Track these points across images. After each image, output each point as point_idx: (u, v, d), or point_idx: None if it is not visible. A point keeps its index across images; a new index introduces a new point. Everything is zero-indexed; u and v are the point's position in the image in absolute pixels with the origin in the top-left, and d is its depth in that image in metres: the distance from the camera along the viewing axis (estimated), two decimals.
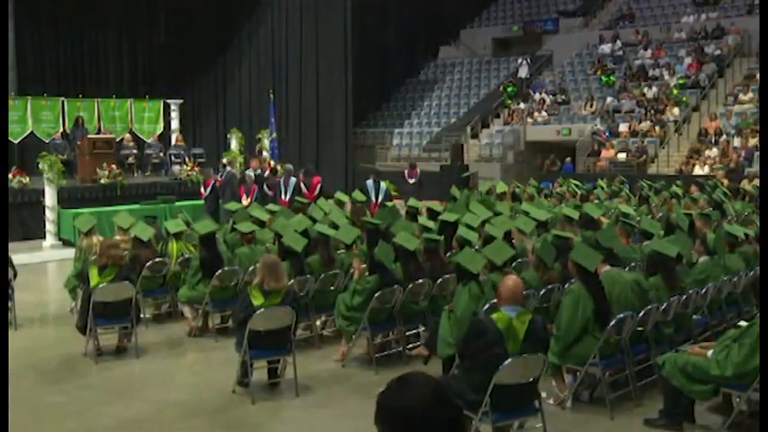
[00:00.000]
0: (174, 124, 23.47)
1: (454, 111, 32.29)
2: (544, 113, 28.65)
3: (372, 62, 31.91)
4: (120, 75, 27.43)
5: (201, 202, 16.67)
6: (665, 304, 7.33)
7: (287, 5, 28.39)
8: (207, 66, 29.35)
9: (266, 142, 22.95)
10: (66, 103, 21.45)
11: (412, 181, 20.74)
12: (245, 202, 15.53)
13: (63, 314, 10.40)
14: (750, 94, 25.28)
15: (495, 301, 6.40)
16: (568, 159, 25.76)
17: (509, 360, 5.42)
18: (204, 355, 8.79)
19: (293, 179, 16.88)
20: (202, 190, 16.76)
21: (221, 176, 17.04)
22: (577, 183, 17.49)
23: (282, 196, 16.27)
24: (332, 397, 7.35)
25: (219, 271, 9.13)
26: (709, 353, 6.25)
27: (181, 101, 24.19)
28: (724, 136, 23.64)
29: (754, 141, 22.84)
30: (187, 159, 20.43)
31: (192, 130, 28.03)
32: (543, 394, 6.24)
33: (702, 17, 30.75)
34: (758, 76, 26.08)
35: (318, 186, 17.16)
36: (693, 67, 27.72)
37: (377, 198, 17.46)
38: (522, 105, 29.82)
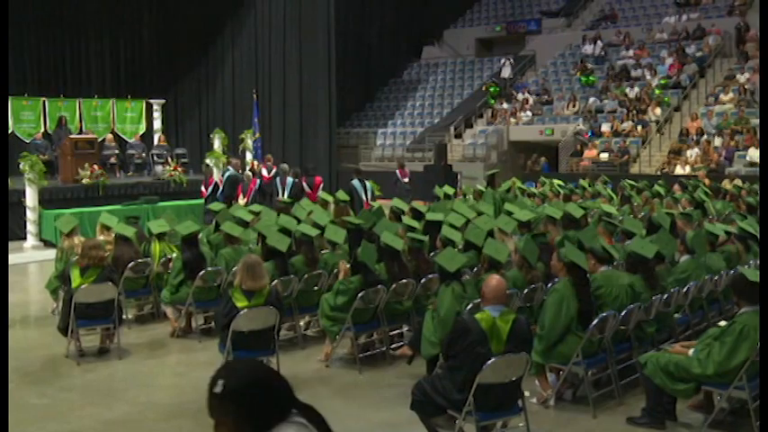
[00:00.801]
0: (157, 124, 23.36)
1: (438, 111, 32.37)
2: (527, 113, 28.76)
3: (356, 62, 31.93)
4: (102, 74, 27.23)
5: (183, 202, 16.63)
6: (647, 303, 7.38)
7: (270, 6, 28.33)
8: (190, 65, 29.23)
9: (250, 142, 22.91)
10: (47, 103, 21.30)
11: (406, 180, 20.64)
12: (241, 201, 15.58)
13: (44, 315, 10.33)
14: (731, 95, 25.48)
15: (478, 300, 6.42)
16: (543, 159, 25.89)
17: (492, 359, 5.44)
18: (187, 356, 8.75)
19: (290, 179, 16.90)
20: (203, 189, 16.79)
21: (223, 176, 17.12)
22: (560, 183, 17.56)
23: (280, 196, 16.30)
24: (315, 397, 7.31)
25: (203, 271, 9.10)
26: (691, 351, 6.30)
27: (163, 101, 24.07)
28: (705, 136, 23.81)
29: (734, 141, 23.04)
30: (170, 159, 20.33)
31: (174, 130, 27.91)
32: (527, 393, 6.27)
33: (684, 18, 30.96)
34: (738, 76, 26.33)
35: (320, 186, 17.31)
36: (675, 67, 27.90)
37: (366, 197, 17.50)
38: (505, 105, 29.91)
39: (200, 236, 10.04)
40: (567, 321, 6.79)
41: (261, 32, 28.66)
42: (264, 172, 18.28)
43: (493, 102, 30.55)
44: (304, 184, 16.95)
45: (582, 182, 18.05)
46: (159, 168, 20.25)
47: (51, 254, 11.65)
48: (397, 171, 21.02)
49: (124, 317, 9.43)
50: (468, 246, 8.67)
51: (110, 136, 21.58)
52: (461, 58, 35.79)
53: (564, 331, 6.81)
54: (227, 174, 16.90)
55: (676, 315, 8.24)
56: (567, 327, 6.80)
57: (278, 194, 16.32)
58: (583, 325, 6.82)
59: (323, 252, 9.72)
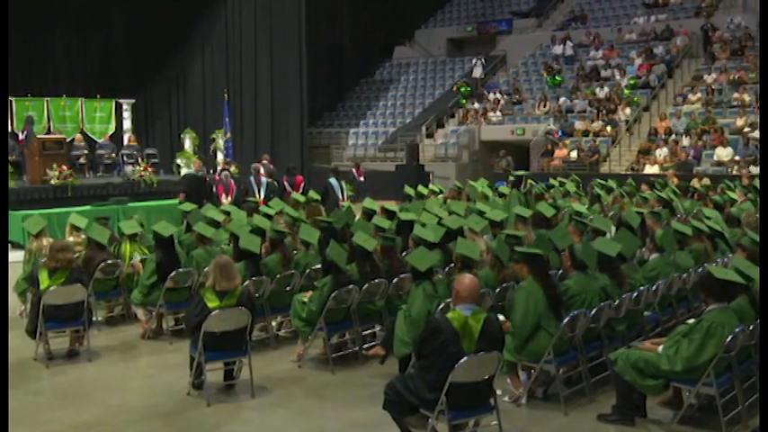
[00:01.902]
0: (127, 124, 23.15)
1: (409, 111, 32.41)
2: (498, 113, 28.89)
3: (327, 62, 31.87)
4: (70, 73, 26.90)
5: (154, 203, 16.54)
6: (617, 301, 7.44)
7: (241, 5, 28.19)
8: (160, 65, 28.98)
9: (221, 142, 22.77)
10: (14, 103, 21.02)
11: (362, 179, 21.24)
12: (224, 201, 15.56)
13: (12, 318, 10.16)
14: (698, 95, 25.78)
15: (450, 300, 6.44)
16: (509, 158, 26.01)
17: (464, 358, 5.46)
18: (158, 358, 8.69)
19: (264, 179, 16.88)
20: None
21: (217, 176, 17.23)
22: (531, 182, 17.68)
23: (257, 196, 16.28)
24: (288, 398, 7.33)
25: (174, 272, 9.04)
26: (660, 348, 6.37)
27: (133, 100, 23.87)
28: (673, 135, 24.07)
29: (702, 141, 23.30)
30: (140, 160, 20.17)
31: (144, 130, 27.65)
32: (499, 392, 6.30)
33: (652, 19, 31.27)
34: (705, 77, 26.66)
35: (302, 185, 17.39)
36: (644, 67, 28.17)
37: (342, 196, 17.52)
38: (476, 105, 30.03)
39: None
40: (536, 318, 6.83)
41: (232, 32, 28.50)
42: (261, 170, 18.29)
43: (464, 102, 30.65)
44: (285, 184, 16.99)
45: (552, 181, 18.19)
46: (129, 169, 20.07)
47: (19, 255, 11.49)
48: (353, 170, 21.18)
49: (94, 319, 9.35)
50: (434, 245, 8.73)
51: (79, 136, 21.35)
52: (433, 57, 35.88)
53: (535, 328, 6.85)
54: (184, 173, 16.88)
55: (646, 313, 8.32)
56: (537, 323, 6.85)
57: (253, 194, 16.27)
58: (555, 320, 6.86)
59: (296, 252, 9.72)
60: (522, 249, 7.36)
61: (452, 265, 8.33)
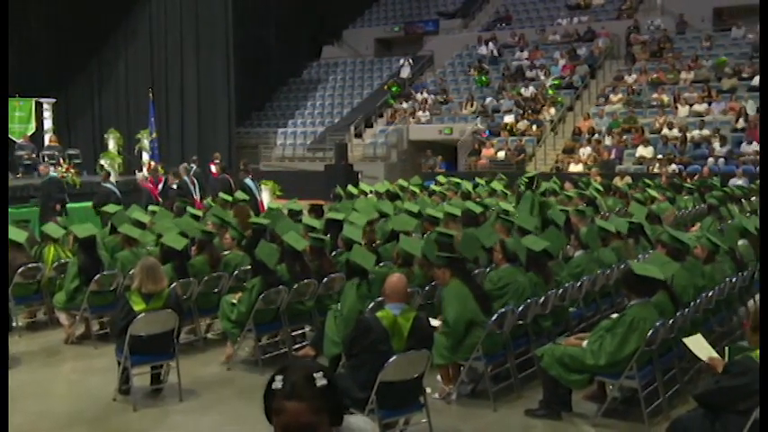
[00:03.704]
0: (48, 124, 22.57)
1: (338, 110, 32.40)
2: (426, 113, 29.10)
3: (255, 61, 31.62)
4: None
5: (77, 204, 16.16)
6: (542, 298, 7.58)
7: (166, 2, 27.75)
8: (81, 64, 28.34)
9: (146, 142, 22.35)
10: None
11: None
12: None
13: None
14: (620, 95, 26.43)
15: (381, 299, 6.47)
16: (440, 158, 26.26)
17: (394, 357, 5.49)
18: (83, 363, 8.49)
19: (185, 178, 16.79)
20: (153, 187, 16.85)
21: (191, 174, 17.23)
22: (457, 181, 17.86)
23: (195, 196, 16.15)
24: (217, 401, 7.25)
25: (98, 275, 8.85)
26: (585, 343, 6.51)
27: (54, 100, 23.26)
28: (596, 135, 24.63)
29: (623, 140, 23.89)
30: (62, 161, 19.67)
31: (66, 130, 27.01)
32: (428, 390, 6.35)
33: (575, 20, 31.93)
34: (626, 77, 27.36)
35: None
36: (567, 68, 28.75)
37: (259, 196, 17.45)
38: (404, 105, 30.20)
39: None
40: (469, 315, 6.89)
41: (156, 30, 28.06)
42: (213, 169, 18.85)
43: (393, 101, 30.78)
44: (230, 181, 17.09)
45: (479, 180, 18.41)
46: (51, 170, 19.53)
47: None
48: (212, 165, 20.14)
49: (13, 324, 9.09)
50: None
51: None
52: (361, 57, 35.94)
53: (469, 324, 6.90)
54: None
55: (571, 309, 8.49)
56: (470, 321, 6.90)
57: (192, 195, 16.12)
58: (485, 312, 6.93)
59: (225, 253, 9.62)
60: (443, 254, 7.38)
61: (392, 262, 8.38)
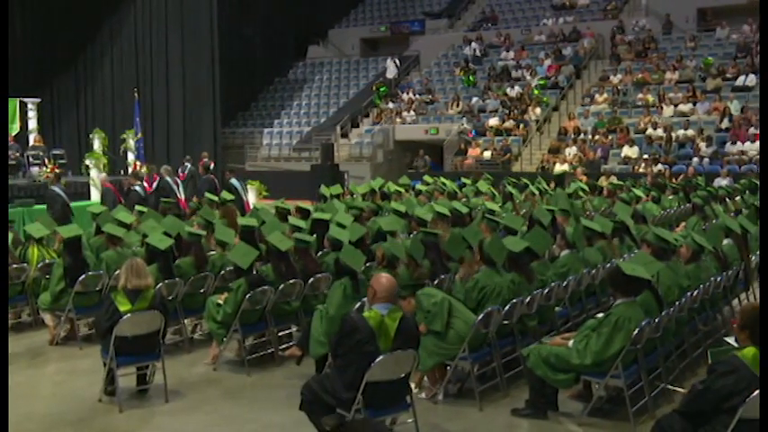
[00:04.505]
0: (32, 124, 22.43)
1: (324, 110, 32.38)
2: (412, 113, 29.13)
3: (240, 61, 31.55)
4: None
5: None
6: (528, 297, 7.60)
7: (150, 2, 27.64)
8: (66, 63, 28.18)
9: (131, 143, 22.25)
10: None
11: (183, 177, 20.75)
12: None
13: None
14: (605, 95, 26.54)
15: (366, 299, 6.47)
16: (428, 158, 26.28)
17: (381, 357, 5.49)
18: (68, 364, 8.45)
19: (168, 178, 16.74)
20: (147, 186, 16.74)
21: (184, 172, 17.44)
22: (444, 181, 17.87)
23: (180, 196, 16.10)
24: (203, 401, 7.23)
25: (83, 276, 8.80)
26: (570, 343, 6.53)
27: (39, 100, 23.12)
28: (582, 134, 24.73)
29: (608, 140, 24.00)
30: (47, 161, 19.57)
31: (51, 130, 26.87)
32: (415, 389, 6.36)
33: (560, 20, 32.04)
34: (611, 78, 27.47)
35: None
36: (553, 68, 28.85)
37: (245, 197, 17.44)
38: (390, 105, 30.21)
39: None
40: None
41: (141, 29, 27.94)
42: (201, 170, 18.84)
43: (379, 101, 30.78)
44: (215, 181, 17.10)
45: (464, 180, 18.44)
46: (35, 170, 19.42)
47: None
48: (200, 164, 19.82)
49: None
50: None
51: None
52: (346, 57, 35.93)
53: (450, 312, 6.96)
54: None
55: (557, 308, 8.51)
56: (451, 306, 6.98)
57: (175, 194, 16.09)
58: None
59: (211, 254, 9.60)
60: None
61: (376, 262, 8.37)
